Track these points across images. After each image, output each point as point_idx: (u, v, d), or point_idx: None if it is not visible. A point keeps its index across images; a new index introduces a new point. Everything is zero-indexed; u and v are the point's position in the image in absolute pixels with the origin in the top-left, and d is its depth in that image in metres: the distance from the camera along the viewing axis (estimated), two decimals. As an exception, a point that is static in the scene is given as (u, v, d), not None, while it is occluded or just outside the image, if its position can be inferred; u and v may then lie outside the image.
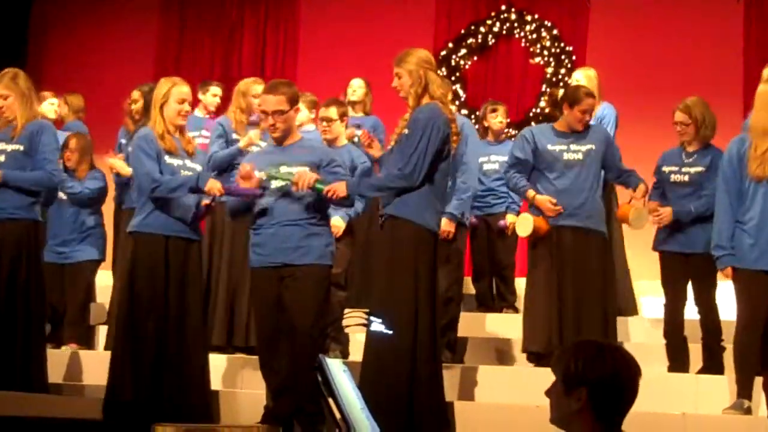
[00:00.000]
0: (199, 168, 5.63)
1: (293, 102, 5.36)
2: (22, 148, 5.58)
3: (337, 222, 6.27)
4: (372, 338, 5.09)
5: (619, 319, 6.90)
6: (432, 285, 5.14)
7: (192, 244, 5.61)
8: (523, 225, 6.07)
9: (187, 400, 5.46)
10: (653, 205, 6.09)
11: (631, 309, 7.19)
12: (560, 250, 5.99)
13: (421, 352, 5.03)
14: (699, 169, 6.05)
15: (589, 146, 6.09)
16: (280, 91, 5.34)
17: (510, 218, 7.27)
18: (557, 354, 2.70)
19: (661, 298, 6.32)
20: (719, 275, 5.83)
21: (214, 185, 5.39)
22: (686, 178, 6.09)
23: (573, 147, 6.07)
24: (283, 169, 5.30)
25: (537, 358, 5.98)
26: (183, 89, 5.61)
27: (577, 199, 6.00)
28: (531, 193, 6.08)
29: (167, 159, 5.53)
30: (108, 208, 7.38)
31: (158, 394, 5.40)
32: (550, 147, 6.08)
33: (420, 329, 5.04)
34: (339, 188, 5.16)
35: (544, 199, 6.01)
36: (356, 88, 7.71)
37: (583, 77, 7.18)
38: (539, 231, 5.97)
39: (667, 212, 6.01)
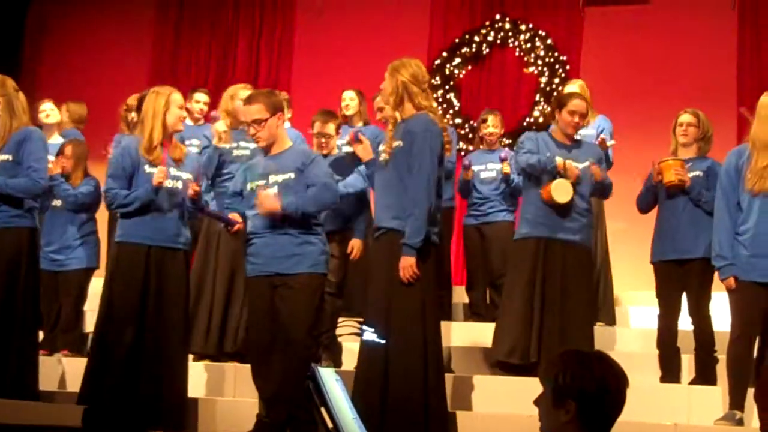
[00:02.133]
0: (185, 176, 5.60)
1: (274, 109, 5.33)
2: (11, 158, 5.53)
3: (356, 243, 6.33)
4: (379, 351, 5.04)
5: (609, 329, 6.93)
6: (436, 296, 5.16)
7: (176, 253, 5.58)
8: (563, 190, 5.90)
9: (164, 407, 5.42)
10: (679, 163, 6.03)
11: (612, 319, 7.20)
12: (548, 263, 5.95)
13: (429, 364, 5.04)
14: (697, 173, 6.04)
15: (586, 163, 6.08)
16: (258, 100, 5.36)
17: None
18: (545, 365, 2.70)
19: (649, 308, 6.32)
20: (714, 286, 5.84)
21: (158, 174, 5.45)
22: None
23: (574, 163, 6.04)
24: (272, 178, 5.32)
25: (509, 368, 5.98)
26: (179, 96, 5.66)
27: (570, 213, 5.97)
28: (560, 159, 5.96)
29: (147, 169, 5.53)
30: (102, 216, 7.37)
31: (133, 401, 5.37)
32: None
33: (428, 342, 5.05)
34: (269, 204, 5.21)
35: (571, 165, 5.95)
36: (348, 101, 7.63)
37: (576, 89, 7.19)
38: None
39: (687, 176, 5.98)
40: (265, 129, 5.31)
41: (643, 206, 6.31)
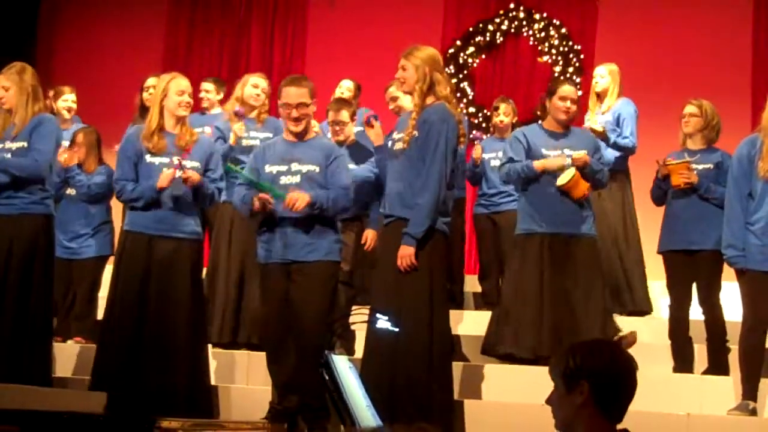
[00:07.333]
0: (190, 165, 5.57)
1: (313, 97, 5.39)
2: (26, 144, 5.59)
3: (371, 233, 6.33)
4: (384, 337, 5.05)
5: (626, 319, 6.91)
6: (443, 286, 5.16)
7: (181, 243, 5.56)
8: (562, 175, 5.89)
9: (173, 394, 5.42)
10: (684, 165, 6.01)
11: (647, 308, 7.17)
12: (554, 259, 5.90)
13: (435, 350, 5.04)
14: (707, 166, 6.03)
15: (583, 152, 5.97)
16: (303, 84, 5.39)
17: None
18: (554, 359, 2.68)
19: (660, 299, 6.31)
20: (724, 275, 5.82)
21: (164, 176, 5.46)
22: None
23: (566, 151, 5.98)
24: (294, 166, 5.31)
25: (515, 360, 5.96)
26: (182, 81, 5.63)
27: (568, 205, 5.91)
28: (537, 163, 5.93)
29: (148, 158, 5.55)
30: (117, 203, 7.39)
31: (136, 387, 5.38)
32: (544, 151, 5.99)
33: (435, 329, 5.05)
34: (301, 200, 5.17)
35: (549, 161, 5.93)
36: (345, 90, 7.54)
37: (606, 72, 7.22)
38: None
39: (694, 176, 5.97)
40: (307, 114, 5.36)
41: (656, 199, 6.31)
